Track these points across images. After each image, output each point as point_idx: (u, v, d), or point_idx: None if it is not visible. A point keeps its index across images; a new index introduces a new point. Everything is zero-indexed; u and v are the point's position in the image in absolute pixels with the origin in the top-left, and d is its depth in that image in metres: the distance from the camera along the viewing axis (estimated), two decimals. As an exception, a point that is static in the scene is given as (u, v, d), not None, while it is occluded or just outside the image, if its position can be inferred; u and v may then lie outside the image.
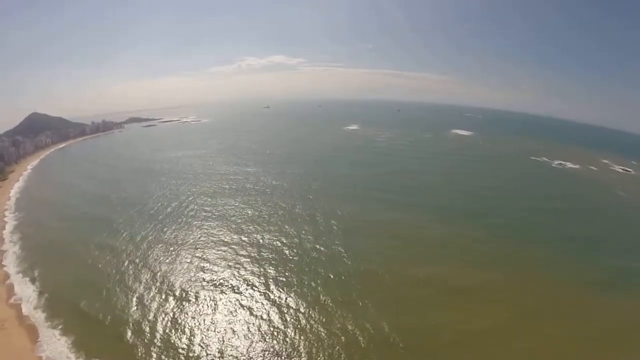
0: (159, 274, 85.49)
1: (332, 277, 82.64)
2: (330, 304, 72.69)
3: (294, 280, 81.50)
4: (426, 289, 78.26)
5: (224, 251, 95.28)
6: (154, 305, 73.93)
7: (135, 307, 73.41)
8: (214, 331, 66.07)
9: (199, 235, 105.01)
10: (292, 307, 71.84)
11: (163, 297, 76.50)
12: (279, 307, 72.07)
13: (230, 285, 79.96)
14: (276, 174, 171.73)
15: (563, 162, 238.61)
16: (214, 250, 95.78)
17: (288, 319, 68.63)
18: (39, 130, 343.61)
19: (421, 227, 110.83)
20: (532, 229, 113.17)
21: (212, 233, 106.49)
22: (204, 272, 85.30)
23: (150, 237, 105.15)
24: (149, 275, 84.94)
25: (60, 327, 69.35)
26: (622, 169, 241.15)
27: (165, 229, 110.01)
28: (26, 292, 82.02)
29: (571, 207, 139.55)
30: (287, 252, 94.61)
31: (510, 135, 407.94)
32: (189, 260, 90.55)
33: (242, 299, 74.89)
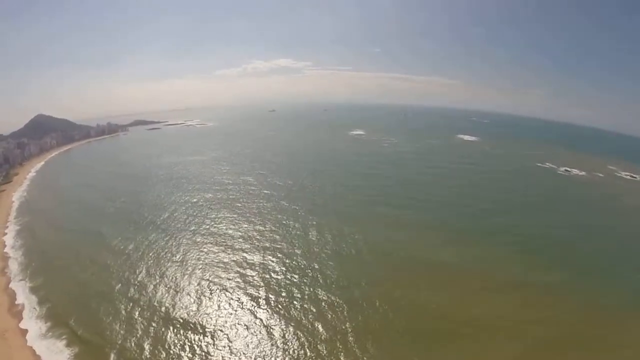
0: (151, 287, 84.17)
1: (326, 304, 77.10)
2: (325, 336, 67.85)
3: (287, 305, 76.96)
4: (432, 319, 72.58)
5: (216, 268, 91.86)
6: (157, 320, 72.66)
7: (136, 322, 72.17)
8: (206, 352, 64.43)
9: (193, 250, 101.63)
10: (283, 334, 68.04)
11: (163, 313, 74.99)
12: (270, 334, 68.14)
13: (220, 306, 76.95)
14: (276, 185, 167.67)
15: (569, 169, 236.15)
16: (205, 267, 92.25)
17: (279, 347, 64.94)
18: (44, 132, 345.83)
19: (427, 247, 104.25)
20: (541, 247, 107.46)
21: (205, 248, 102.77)
22: (196, 289, 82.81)
23: (145, 249, 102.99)
24: (147, 288, 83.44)
25: (63, 338, 68.66)
26: (629, 176, 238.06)
27: (160, 241, 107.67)
28: (28, 301, 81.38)
29: (581, 221, 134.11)
30: (280, 272, 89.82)
31: (516, 140, 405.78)
32: (179, 276, 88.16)
33: (232, 321, 71.91)
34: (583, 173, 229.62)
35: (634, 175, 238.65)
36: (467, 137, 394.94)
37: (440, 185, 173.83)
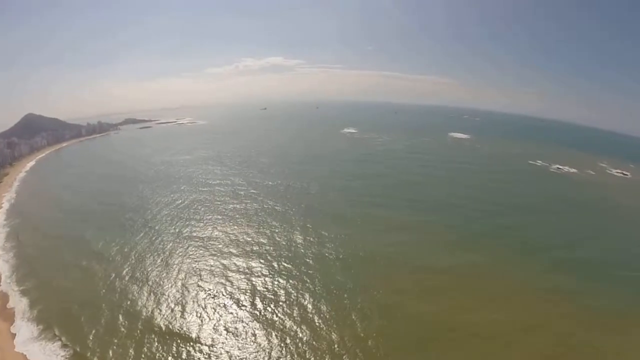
0: (137, 290, 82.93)
1: (314, 310, 74.44)
2: (313, 343, 65.13)
3: (272, 311, 73.99)
4: (426, 327, 69.83)
5: (201, 272, 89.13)
6: (142, 324, 71.67)
7: (123, 326, 71.01)
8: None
9: (177, 253, 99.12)
10: (268, 340, 65.95)
11: (149, 316, 74.00)
12: (255, 340, 65.94)
13: (206, 310, 75.02)
14: (265, 185, 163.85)
15: (561, 167, 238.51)
16: (190, 271, 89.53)
17: (265, 353, 63.08)
18: (35, 131, 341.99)
19: (419, 250, 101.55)
20: (539, 249, 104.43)
21: (189, 251, 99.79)
22: (181, 293, 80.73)
23: (131, 253, 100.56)
24: (133, 292, 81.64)
25: (55, 341, 68.01)
26: (620, 173, 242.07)
27: (146, 245, 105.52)
28: (19, 304, 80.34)
29: (578, 222, 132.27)
30: (267, 276, 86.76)
31: (507, 138, 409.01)
32: (164, 279, 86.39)
33: (218, 326, 70.19)
34: (574, 171, 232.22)
35: (625, 173, 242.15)
36: (458, 135, 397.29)
37: (431, 185, 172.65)
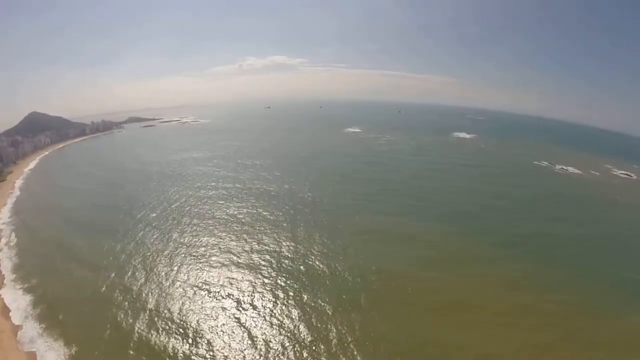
0: (135, 290, 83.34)
1: (306, 332, 68.66)
2: None
3: (263, 331, 69.02)
4: (429, 352, 63.92)
5: (190, 280, 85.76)
6: (146, 324, 71.87)
7: (124, 327, 70.76)
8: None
9: (171, 256, 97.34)
10: None
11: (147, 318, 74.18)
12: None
13: (195, 319, 72.55)
14: (264, 189, 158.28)
15: (565, 167, 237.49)
16: (179, 280, 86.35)
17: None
18: (39, 129, 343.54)
19: (421, 264, 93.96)
20: (551, 260, 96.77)
21: (179, 259, 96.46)
22: (174, 298, 79.11)
23: (129, 254, 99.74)
24: (131, 293, 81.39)
25: (58, 340, 67.95)
26: (625, 174, 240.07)
27: (146, 246, 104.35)
28: (21, 302, 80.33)
29: (590, 229, 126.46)
30: (255, 289, 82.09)
31: (511, 138, 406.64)
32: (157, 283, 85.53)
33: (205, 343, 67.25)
34: (579, 172, 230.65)
35: (630, 174, 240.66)
36: (462, 135, 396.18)
37: (437, 190, 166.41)
